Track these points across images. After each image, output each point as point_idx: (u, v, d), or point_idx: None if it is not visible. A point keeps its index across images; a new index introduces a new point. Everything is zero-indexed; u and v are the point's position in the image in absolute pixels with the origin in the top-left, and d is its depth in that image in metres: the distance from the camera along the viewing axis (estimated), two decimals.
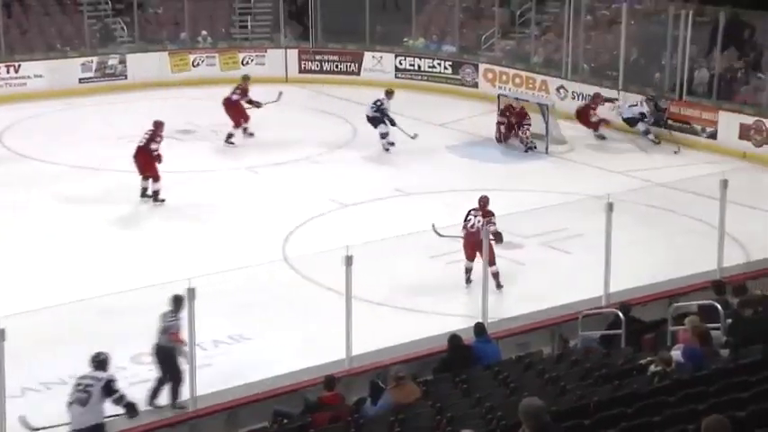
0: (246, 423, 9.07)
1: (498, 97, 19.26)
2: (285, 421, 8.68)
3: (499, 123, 18.14)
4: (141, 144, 15.61)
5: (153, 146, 15.55)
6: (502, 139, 18.19)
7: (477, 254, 11.58)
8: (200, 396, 9.20)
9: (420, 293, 12.01)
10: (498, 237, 11.82)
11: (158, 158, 15.42)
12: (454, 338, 9.58)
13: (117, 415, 8.81)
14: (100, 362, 8.55)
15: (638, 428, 6.36)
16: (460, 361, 9.28)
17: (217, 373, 9.99)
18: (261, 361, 10.17)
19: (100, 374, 8.47)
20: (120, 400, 8.49)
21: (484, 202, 12.43)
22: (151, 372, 9.92)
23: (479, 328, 9.79)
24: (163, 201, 15.28)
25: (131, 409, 8.58)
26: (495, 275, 11.71)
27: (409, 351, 10.04)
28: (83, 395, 8.35)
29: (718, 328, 9.07)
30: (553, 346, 10.51)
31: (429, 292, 12.04)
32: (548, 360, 9.52)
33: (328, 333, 10.16)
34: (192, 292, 8.68)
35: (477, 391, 8.26)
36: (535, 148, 17.87)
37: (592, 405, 7.05)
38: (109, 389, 8.40)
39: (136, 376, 10.17)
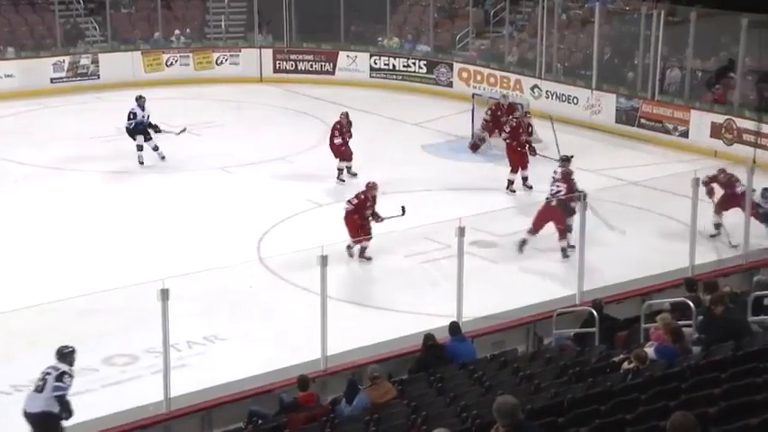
0: (221, 424, 9.04)
1: (473, 96, 19.31)
2: (260, 422, 8.66)
3: (487, 124, 17.98)
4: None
5: (336, 140, 16.07)
6: (477, 143, 18.07)
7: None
8: (174, 397, 9.13)
9: (395, 293, 12.01)
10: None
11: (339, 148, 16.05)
12: (428, 338, 9.60)
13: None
14: (63, 354, 8.53)
15: (611, 425, 6.40)
16: (434, 360, 9.30)
17: (191, 374, 9.93)
18: (235, 361, 10.12)
19: (60, 365, 8.46)
20: (61, 396, 8.37)
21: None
22: (124, 373, 9.85)
23: (454, 327, 9.81)
24: (355, 174, 16.06)
25: (66, 408, 8.40)
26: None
27: (384, 351, 10.03)
28: (40, 383, 8.43)
29: (690, 325, 9.15)
30: (528, 345, 10.55)
31: (404, 292, 12.04)
32: (522, 358, 9.56)
33: (303, 333, 10.14)
34: (165, 292, 8.62)
35: (452, 389, 8.28)
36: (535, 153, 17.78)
37: (566, 402, 7.09)
38: (58, 379, 8.35)
39: (109, 378, 10.11)
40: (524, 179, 15.78)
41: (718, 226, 13.02)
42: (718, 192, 13.09)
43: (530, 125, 16.43)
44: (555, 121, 17.67)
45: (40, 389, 8.41)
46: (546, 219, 12.89)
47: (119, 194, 15.79)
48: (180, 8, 24.76)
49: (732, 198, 12.83)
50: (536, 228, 12.88)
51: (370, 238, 12.86)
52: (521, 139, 15.87)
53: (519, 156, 15.77)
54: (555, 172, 13.35)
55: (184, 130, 17.65)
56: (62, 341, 10.00)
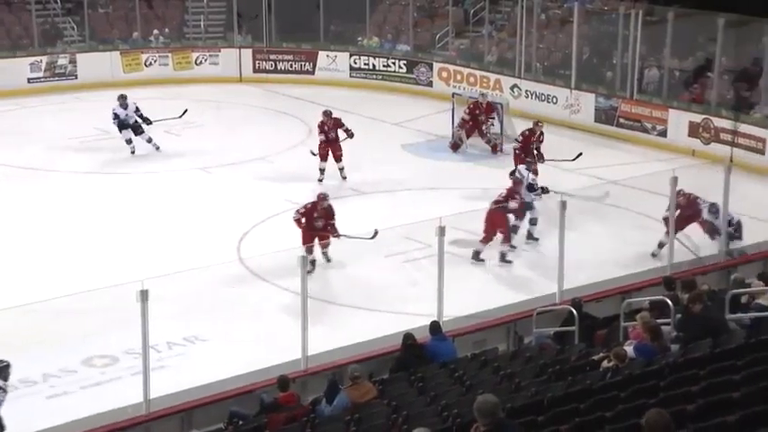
0: (201, 425, 9.01)
1: (453, 96, 19.34)
2: (240, 422, 8.65)
3: (465, 123, 18.02)
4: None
5: (319, 137, 16.02)
6: (464, 144, 18.09)
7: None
8: (154, 399, 9.10)
9: (376, 292, 12.02)
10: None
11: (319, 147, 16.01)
12: (408, 337, 9.61)
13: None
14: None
15: (591, 423, 6.43)
16: (415, 359, 9.31)
17: (171, 375, 9.89)
18: (215, 362, 10.09)
19: None
20: None
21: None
22: (104, 374, 9.81)
23: (434, 327, 9.82)
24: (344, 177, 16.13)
25: None
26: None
27: (365, 350, 10.03)
28: None
29: (668, 324, 9.21)
30: (508, 344, 10.58)
31: (385, 291, 12.05)
32: (503, 357, 9.59)
33: (284, 333, 10.13)
34: (145, 293, 8.58)
35: (433, 389, 8.30)
36: (500, 145, 17.87)
37: (546, 401, 7.12)
38: None
39: (88, 380, 10.06)
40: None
41: (662, 245, 12.54)
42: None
43: (541, 134, 15.91)
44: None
45: None
46: (493, 225, 12.81)
47: (98, 195, 15.70)
48: (159, 8, 24.63)
49: (693, 216, 12.57)
50: (487, 236, 12.81)
51: (328, 243, 12.62)
52: (530, 147, 15.59)
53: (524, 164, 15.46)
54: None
55: (186, 111, 17.64)
56: (41, 342, 9.95)
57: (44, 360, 10.26)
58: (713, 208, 12.47)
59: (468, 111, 18.07)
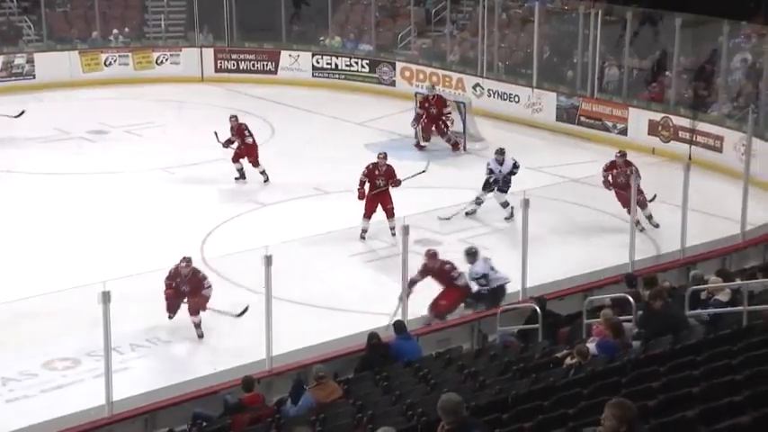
0: (165, 426, 8.94)
1: (415, 95, 19.38)
2: (204, 424, 8.60)
3: (419, 117, 18.11)
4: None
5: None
6: (421, 141, 18.18)
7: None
8: (117, 401, 9.02)
9: (340, 292, 12.01)
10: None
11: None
12: (372, 336, 9.63)
13: None
14: None
15: (554, 421, 6.48)
16: (379, 359, 9.32)
17: (134, 377, 9.82)
18: (179, 363, 10.03)
19: None
20: None
21: None
22: (65, 377, 9.70)
23: (399, 326, 9.85)
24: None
25: None
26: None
27: (330, 350, 10.03)
28: None
29: (630, 320, 9.32)
30: (472, 342, 10.64)
31: (349, 291, 12.05)
32: (467, 355, 9.64)
33: (248, 334, 10.09)
34: (107, 295, 8.50)
35: (398, 388, 8.32)
36: (461, 143, 17.97)
37: (510, 399, 7.17)
38: None
39: (49, 383, 9.95)
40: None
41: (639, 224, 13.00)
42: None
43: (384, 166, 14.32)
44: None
45: None
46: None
47: (57, 196, 15.50)
48: (118, 7, 24.39)
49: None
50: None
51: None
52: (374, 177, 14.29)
53: None
54: None
55: (23, 112, 17.34)
56: (1, 345, 9.81)
57: (3, 363, 10.14)
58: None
59: (419, 105, 18.15)
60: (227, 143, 16.13)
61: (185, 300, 10.93)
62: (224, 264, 12.30)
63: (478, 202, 14.39)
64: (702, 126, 17.38)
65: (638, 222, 12.86)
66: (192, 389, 9.38)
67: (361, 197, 13.69)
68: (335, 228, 13.44)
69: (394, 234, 13.28)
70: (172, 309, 10.98)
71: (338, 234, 13.20)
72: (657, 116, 18.18)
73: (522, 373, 8.12)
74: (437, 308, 10.92)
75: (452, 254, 13.08)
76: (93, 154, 17.72)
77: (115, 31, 23.50)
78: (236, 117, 16.34)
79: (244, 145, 16.03)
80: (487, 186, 14.48)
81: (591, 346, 8.54)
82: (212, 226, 14.09)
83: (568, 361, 8.29)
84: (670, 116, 17.97)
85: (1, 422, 8.84)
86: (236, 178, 16.15)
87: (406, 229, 10.11)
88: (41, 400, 9.63)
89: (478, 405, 7.01)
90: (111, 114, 19.95)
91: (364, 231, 13.65)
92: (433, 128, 18.13)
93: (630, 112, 18.60)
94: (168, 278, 11.32)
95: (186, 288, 10.97)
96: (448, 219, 13.97)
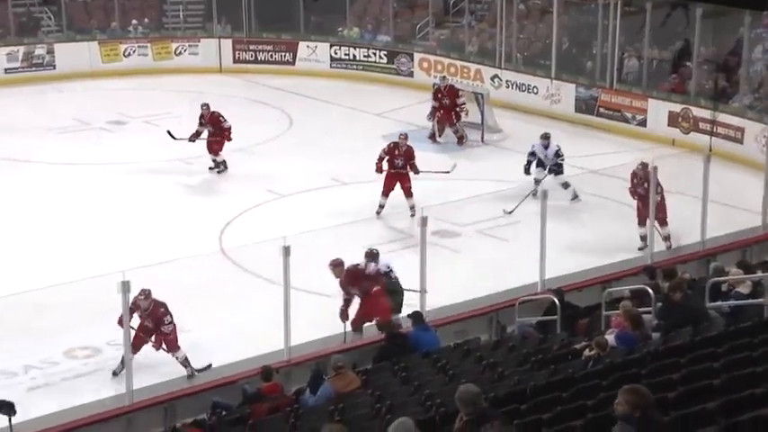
0: (185, 415, 8.99)
1: (433, 86, 19.32)
2: (223, 413, 8.64)
3: (434, 110, 18.07)
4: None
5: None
6: (436, 134, 18.10)
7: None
8: (137, 389, 9.08)
9: None
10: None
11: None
12: (391, 327, 9.63)
13: None
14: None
15: (573, 412, 6.47)
16: (397, 349, 9.33)
17: (154, 365, 9.87)
18: (199, 353, 10.08)
19: None
20: None
21: None
22: (86, 366, 9.78)
23: (417, 317, 9.85)
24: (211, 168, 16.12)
25: (8, 408, 8.05)
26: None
27: (348, 340, 10.05)
28: None
29: (649, 312, 9.28)
30: (491, 333, 10.63)
31: None
32: (485, 347, 9.63)
33: (267, 324, 10.12)
34: (126, 284, 8.55)
35: (416, 378, 8.32)
36: (466, 138, 17.92)
37: (528, 390, 7.16)
38: None
39: (70, 371, 10.03)
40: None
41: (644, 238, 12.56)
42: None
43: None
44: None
45: None
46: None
47: (76, 186, 15.59)
48: None
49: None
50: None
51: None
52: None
53: None
54: None
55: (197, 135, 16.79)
56: (22, 334, 9.89)
57: (25, 351, 10.23)
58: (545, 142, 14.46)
59: (432, 96, 18.11)
60: (195, 136, 16.04)
61: (152, 337, 9.72)
62: (242, 254, 12.37)
63: (537, 182, 14.52)
64: (723, 117, 17.25)
65: (643, 238, 12.52)
66: (211, 378, 9.43)
67: (378, 171, 14.15)
68: (353, 218, 13.45)
69: (413, 214, 13.46)
70: (136, 346, 9.57)
71: (356, 224, 13.21)
72: (677, 107, 18.06)
73: (540, 365, 8.11)
74: (374, 318, 10.35)
75: (469, 244, 13.11)
76: (111, 144, 17.79)
77: (134, 21, 23.57)
78: (207, 105, 16.26)
79: (223, 131, 15.95)
80: (529, 169, 14.71)
81: (610, 337, 8.52)
82: (231, 216, 14.13)
83: (587, 352, 8.27)
84: (690, 107, 17.86)
85: (23, 409, 8.88)
86: (211, 168, 16.03)
87: (424, 221, 10.10)
88: (62, 387, 9.71)
89: (497, 396, 7.01)
90: (129, 105, 20.03)
91: (381, 207, 14.12)
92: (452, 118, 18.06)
93: (650, 103, 18.49)
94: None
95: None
96: (510, 212, 13.96)
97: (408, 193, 14.09)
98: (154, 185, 15.68)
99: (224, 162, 16.10)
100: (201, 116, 16.12)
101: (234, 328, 10.70)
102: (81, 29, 23.37)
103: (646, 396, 4.93)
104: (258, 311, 10.82)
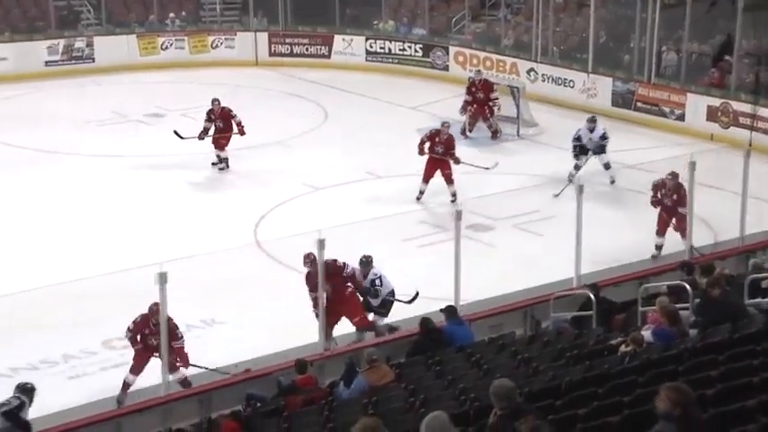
0: (219, 407, 9.06)
1: (469, 80, 19.25)
2: (258, 405, 8.69)
3: (466, 105, 17.95)
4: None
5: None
6: (467, 130, 17.98)
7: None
8: (173, 381, 9.16)
9: (392, 276, 12.00)
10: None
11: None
12: (425, 321, 9.61)
13: None
14: (24, 389, 8.26)
15: (609, 407, 6.43)
16: (432, 344, 9.31)
17: (189, 357, 9.94)
18: (233, 345, 10.15)
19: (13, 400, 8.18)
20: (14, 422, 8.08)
21: None
22: (123, 356, 9.88)
23: (451, 311, 9.82)
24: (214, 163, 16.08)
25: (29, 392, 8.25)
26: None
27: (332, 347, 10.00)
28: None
29: (687, 308, 9.18)
30: (525, 328, 10.57)
31: (401, 276, 12.04)
32: (520, 341, 9.59)
33: (301, 317, 10.16)
34: (163, 276, 8.62)
35: (450, 372, 8.31)
36: (500, 133, 17.84)
37: (564, 385, 7.12)
38: (10, 414, 8.09)
39: (108, 361, 10.15)
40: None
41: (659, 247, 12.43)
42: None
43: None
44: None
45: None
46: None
47: (115, 179, 15.76)
48: None
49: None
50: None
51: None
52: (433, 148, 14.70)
53: None
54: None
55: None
56: (62, 324, 10.01)
57: (65, 341, 10.37)
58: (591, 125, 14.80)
59: (466, 90, 18.01)
60: (203, 133, 15.91)
61: (156, 354, 9.20)
62: (277, 247, 12.42)
63: (577, 167, 14.80)
64: (763, 112, 17.01)
65: (658, 247, 12.37)
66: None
67: (420, 153, 14.42)
68: (388, 211, 13.45)
69: (454, 200, 13.71)
70: (138, 369, 9.32)
71: (391, 218, 13.22)
72: (716, 102, 17.84)
73: (575, 360, 8.05)
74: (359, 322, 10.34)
75: (504, 238, 13.04)
76: (149, 137, 17.95)
77: (172, 14, 23.76)
78: (218, 100, 16.09)
79: (235, 126, 15.80)
80: (578, 155, 14.93)
81: (646, 333, 8.44)
82: (266, 209, 14.20)
83: (623, 348, 8.20)
84: (730, 101, 17.63)
85: (63, 398, 9.04)
86: (214, 164, 15.99)
87: (458, 215, 10.06)
88: (100, 377, 9.82)
89: (531, 391, 6.97)
90: (167, 98, 20.19)
91: (421, 193, 14.31)
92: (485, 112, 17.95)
93: (689, 97, 18.28)
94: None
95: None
96: (557, 195, 14.23)
97: (449, 180, 14.24)
98: (190, 178, 15.80)
99: (226, 159, 16.00)
100: (211, 111, 15.98)
101: (268, 321, 10.75)
102: (120, 22, 23.61)
103: (688, 394, 4.89)
104: (292, 304, 10.86)
